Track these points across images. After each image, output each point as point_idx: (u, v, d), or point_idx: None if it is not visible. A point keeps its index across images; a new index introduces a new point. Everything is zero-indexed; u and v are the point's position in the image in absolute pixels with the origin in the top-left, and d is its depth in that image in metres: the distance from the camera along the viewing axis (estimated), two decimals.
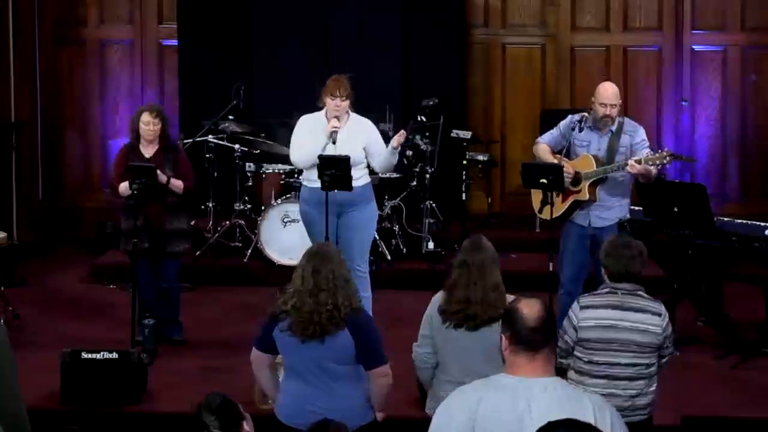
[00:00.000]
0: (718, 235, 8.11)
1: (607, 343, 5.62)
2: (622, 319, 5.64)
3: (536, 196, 8.03)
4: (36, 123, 11.95)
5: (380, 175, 9.49)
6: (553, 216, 7.80)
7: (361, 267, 7.95)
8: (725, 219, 8.41)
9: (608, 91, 7.89)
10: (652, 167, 7.69)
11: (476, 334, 5.51)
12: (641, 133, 7.92)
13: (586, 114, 7.92)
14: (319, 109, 8.08)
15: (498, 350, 5.39)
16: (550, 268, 7.87)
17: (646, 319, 5.62)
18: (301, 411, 5.25)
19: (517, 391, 3.79)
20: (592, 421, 3.69)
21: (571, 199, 7.88)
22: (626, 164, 7.67)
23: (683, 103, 11.69)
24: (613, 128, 7.89)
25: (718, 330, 8.44)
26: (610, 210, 7.91)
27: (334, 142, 7.89)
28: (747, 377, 7.79)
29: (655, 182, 7.96)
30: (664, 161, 7.71)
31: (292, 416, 5.31)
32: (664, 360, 5.77)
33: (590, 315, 5.67)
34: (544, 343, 3.84)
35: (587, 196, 7.82)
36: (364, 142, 8.02)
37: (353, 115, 8.10)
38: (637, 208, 8.37)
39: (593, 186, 7.83)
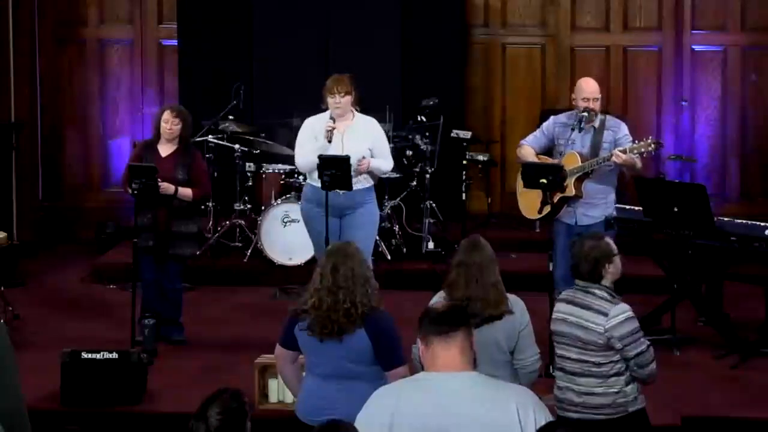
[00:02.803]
0: (718, 235, 8.11)
1: (560, 336, 5.73)
2: (571, 313, 5.69)
3: (523, 198, 8.08)
4: (36, 123, 11.95)
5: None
6: (541, 215, 7.86)
7: None
8: (725, 219, 8.41)
9: (590, 86, 8.00)
10: (636, 157, 7.75)
11: (476, 332, 5.49)
12: (624, 128, 8.03)
13: (585, 114, 7.94)
14: (324, 110, 8.10)
15: (498, 349, 5.41)
16: (550, 268, 7.87)
17: (589, 317, 5.62)
18: (319, 409, 5.23)
19: (435, 386, 3.80)
20: (514, 413, 3.74)
21: (557, 197, 7.90)
22: (611, 156, 7.73)
23: (683, 103, 11.69)
24: (596, 125, 7.96)
25: (718, 330, 8.43)
26: (596, 207, 7.96)
27: (329, 141, 7.91)
28: (747, 377, 7.79)
29: (655, 182, 7.98)
30: (650, 149, 7.78)
31: (310, 414, 5.30)
32: (632, 363, 5.58)
33: (556, 308, 5.81)
34: (454, 326, 3.90)
35: (573, 192, 7.86)
36: (369, 143, 8.02)
37: (359, 115, 8.10)
38: (637, 208, 8.38)
39: (579, 181, 7.88)
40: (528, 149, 8.13)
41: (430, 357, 3.90)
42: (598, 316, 5.60)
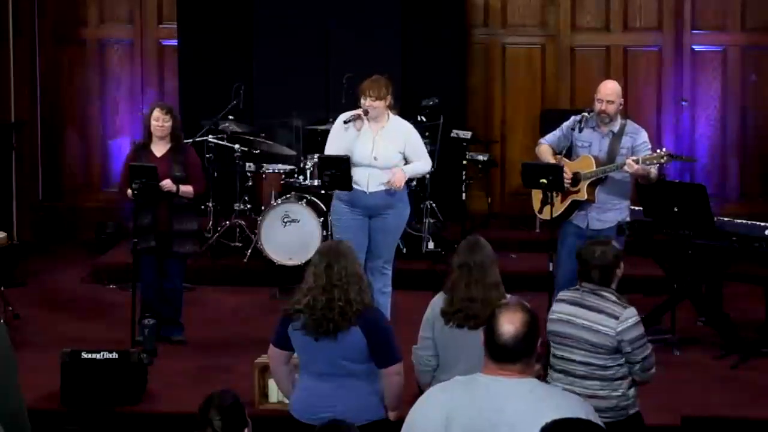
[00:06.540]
0: (718, 235, 8.11)
1: (563, 338, 5.66)
2: (577, 315, 5.64)
3: (536, 197, 8.04)
4: (36, 123, 11.95)
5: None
6: (552, 216, 7.81)
7: (386, 266, 8.17)
8: (725, 219, 8.41)
9: (606, 87, 7.94)
10: (650, 167, 7.70)
11: (478, 333, 5.49)
12: (643, 136, 7.93)
13: (585, 114, 7.93)
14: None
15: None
16: (550, 268, 7.87)
17: (600, 320, 5.58)
18: (314, 408, 5.26)
19: (491, 389, 3.77)
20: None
21: (570, 199, 7.88)
22: (624, 164, 7.68)
23: (683, 103, 11.69)
24: (615, 129, 7.89)
25: (718, 330, 8.43)
26: (609, 212, 7.91)
27: (352, 121, 7.88)
28: (747, 377, 7.79)
29: (655, 182, 7.97)
30: (662, 161, 7.73)
31: (305, 413, 5.32)
32: (637, 367, 5.62)
33: (556, 308, 5.75)
34: (515, 359, 3.80)
35: (585, 196, 7.83)
36: (401, 146, 8.00)
37: (393, 118, 8.07)
38: (637, 208, 8.37)
39: (592, 186, 7.84)
40: (545, 148, 8.08)
41: (486, 363, 3.86)
42: (610, 320, 5.58)
